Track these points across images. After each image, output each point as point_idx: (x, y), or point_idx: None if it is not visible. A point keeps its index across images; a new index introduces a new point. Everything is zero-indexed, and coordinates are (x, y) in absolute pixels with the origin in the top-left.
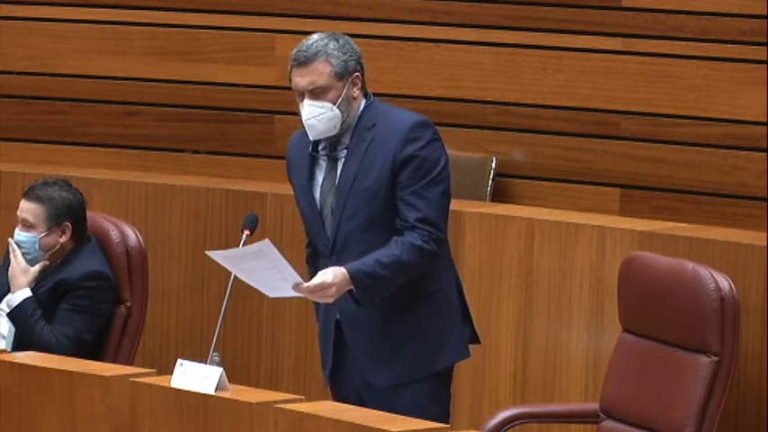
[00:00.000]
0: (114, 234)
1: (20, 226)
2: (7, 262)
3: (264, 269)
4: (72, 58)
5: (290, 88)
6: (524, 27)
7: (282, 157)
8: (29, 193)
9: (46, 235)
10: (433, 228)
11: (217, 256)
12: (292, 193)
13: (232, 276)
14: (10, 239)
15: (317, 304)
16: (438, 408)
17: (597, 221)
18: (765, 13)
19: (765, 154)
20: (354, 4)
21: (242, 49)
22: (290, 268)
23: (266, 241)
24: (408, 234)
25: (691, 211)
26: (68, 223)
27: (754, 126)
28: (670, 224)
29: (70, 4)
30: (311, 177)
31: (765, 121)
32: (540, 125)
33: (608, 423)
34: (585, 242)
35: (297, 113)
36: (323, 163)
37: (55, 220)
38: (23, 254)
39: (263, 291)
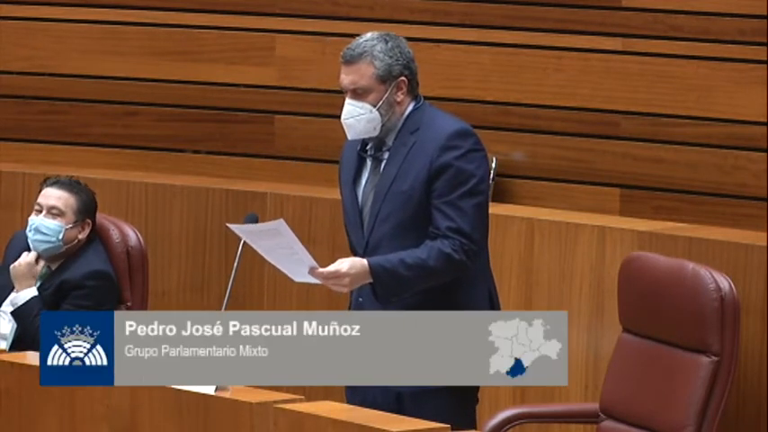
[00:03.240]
0: (115, 234)
1: (44, 213)
2: (7, 263)
3: (281, 249)
4: (72, 58)
5: (290, 88)
6: (524, 27)
7: (282, 157)
8: (57, 183)
9: (71, 227)
10: (466, 239)
11: (237, 229)
12: (293, 193)
13: (232, 276)
14: (28, 231)
15: (349, 301)
16: (459, 419)
17: (597, 221)
18: (765, 13)
19: (765, 154)
20: (354, 4)
21: (242, 49)
22: (305, 251)
23: (281, 221)
24: (440, 240)
25: (691, 211)
26: (89, 221)
27: (754, 126)
28: (670, 224)
29: (70, 4)
30: (357, 176)
31: (765, 121)
32: (540, 125)
33: (608, 423)
34: (585, 242)
35: (301, 113)
36: (368, 163)
37: (82, 215)
38: (44, 242)
39: (287, 273)
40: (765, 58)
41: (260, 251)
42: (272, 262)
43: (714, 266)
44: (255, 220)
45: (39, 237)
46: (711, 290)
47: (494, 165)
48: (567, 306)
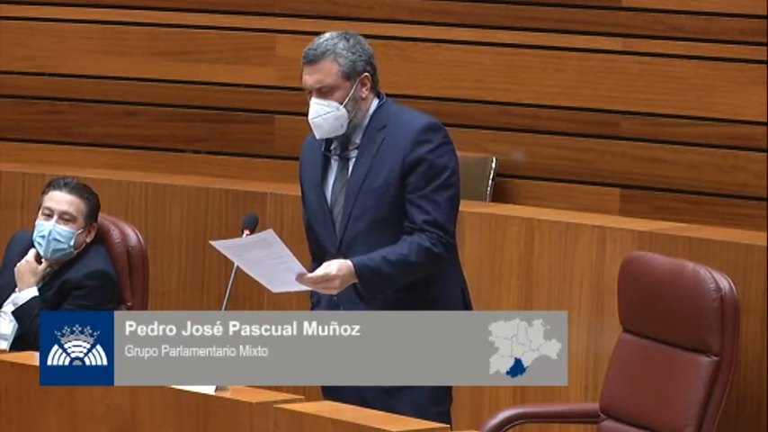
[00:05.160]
0: (115, 234)
1: (56, 218)
2: (8, 263)
3: (268, 259)
4: (72, 58)
5: (289, 88)
6: (524, 27)
7: (282, 157)
8: (67, 187)
9: (81, 232)
10: (442, 231)
11: (220, 246)
12: (293, 193)
13: (232, 276)
14: (38, 237)
15: (314, 301)
16: (438, 409)
17: (597, 221)
18: (765, 13)
19: (765, 154)
20: (354, 4)
21: (242, 49)
22: (294, 259)
23: (270, 231)
24: (417, 235)
25: (691, 211)
26: (95, 224)
27: (754, 126)
28: (670, 224)
29: (70, 4)
30: (324, 177)
31: (765, 121)
32: (539, 125)
33: (608, 423)
34: (585, 242)
35: (301, 113)
36: (334, 163)
37: (90, 219)
38: (58, 249)
39: (266, 285)
40: (765, 58)
41: (241, 266)
42: (252, 275)
43: (714, 266)
44: (255, 220)
45: (53, 243)
46: (711, 290)
47: (494, 165)
48: (567, 306)
